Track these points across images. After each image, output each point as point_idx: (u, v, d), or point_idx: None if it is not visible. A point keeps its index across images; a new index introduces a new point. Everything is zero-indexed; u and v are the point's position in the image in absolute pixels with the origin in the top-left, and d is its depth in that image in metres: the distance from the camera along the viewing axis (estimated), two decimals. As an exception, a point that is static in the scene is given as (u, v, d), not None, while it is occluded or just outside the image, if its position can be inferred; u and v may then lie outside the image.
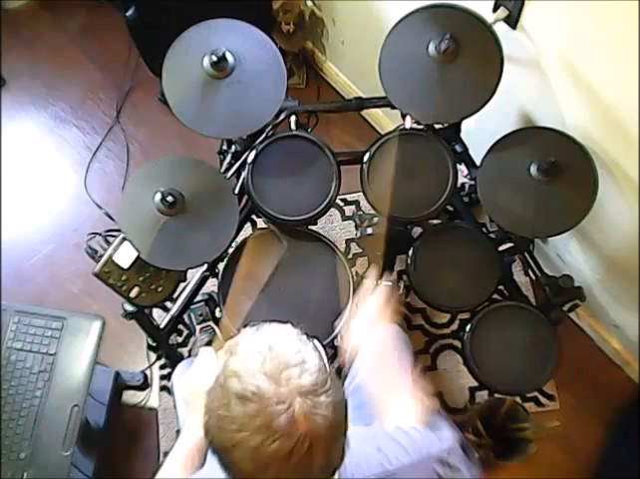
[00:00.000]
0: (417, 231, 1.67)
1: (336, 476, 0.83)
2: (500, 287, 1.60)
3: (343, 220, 2.19)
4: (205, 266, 1.59)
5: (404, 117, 1.56)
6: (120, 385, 1.92)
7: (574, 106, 1.43)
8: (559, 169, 1.39)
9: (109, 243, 1.45)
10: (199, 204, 1.41)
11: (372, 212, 1.65)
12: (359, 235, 1.91)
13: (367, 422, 1.13)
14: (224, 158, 1.68)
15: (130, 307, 1.48)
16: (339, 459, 0.77)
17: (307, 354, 0.77)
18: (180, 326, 1.99)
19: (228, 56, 1.40)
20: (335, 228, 2.18)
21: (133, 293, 1.45)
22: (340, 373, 1.46)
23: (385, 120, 2.17)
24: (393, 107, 1.49)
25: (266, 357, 0.75)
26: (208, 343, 1.90)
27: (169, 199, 1.35)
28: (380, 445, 0.95)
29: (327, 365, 0.78)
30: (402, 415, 1.11)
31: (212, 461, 0.98)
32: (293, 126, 1.58)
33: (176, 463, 1.06)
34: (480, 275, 1.56)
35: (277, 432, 0.71)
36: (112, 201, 2.21)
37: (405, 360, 1.49)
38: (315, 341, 0.82)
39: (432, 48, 1.40)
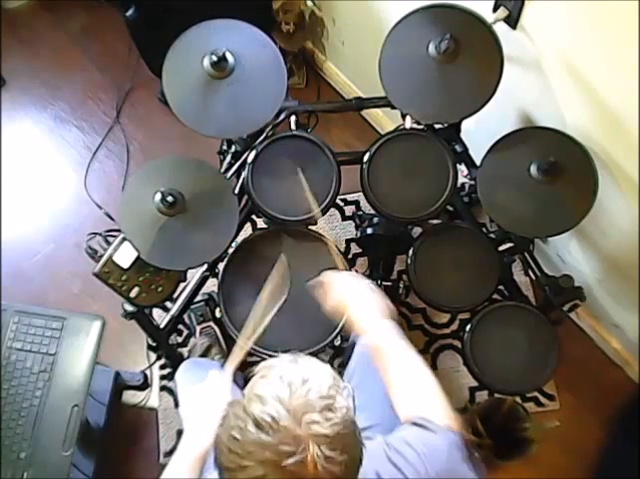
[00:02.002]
0: (417, 231, 1.67)
1: None
2: (500, 287, 1.61)
3: (343, 220, 2.19)
4: (205, 266, 1.59)
5: (404, 117, 1.56)
6: (120, 385, 1.92)
7: (574, 106, 1.43)
8: (559, 169, 1.39)
9: (109, 243, 1.45)
10: (199, 204, 1.41)
11: (372, 212, 1.65)
12: (359, 234, 1.91)
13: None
14: (224, 158, 1.69)
15: (130, 307, 1.48)
16: None
17: (337, 403, 0.74)
18: (180, 326, 1.99)
19: (228, 56, 1.40)
20: (335, 228, 2.18)
21: (133, 293, 1.45)
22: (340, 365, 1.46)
23: (385, 120, 2.17)
24: (393, 107, 1.50)
25: (295, 392, 0.73)
26: (209, 347, 1.90)
27: (169, 199, 1.35)
28: (379, 469, 0.92)
29: (353, 418, 0.75)
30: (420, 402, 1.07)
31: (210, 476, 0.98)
32: (293, 126, 1.58)
33: (176, 474, 1.05)
34: (480, 275, 1.56)
35: (282, 472, 0.70)
36: (112, 201, 2.21)
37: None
38: (349, 388, 0.79)
39: (432, 48, 1.40)
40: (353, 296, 1.19)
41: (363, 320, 1.16)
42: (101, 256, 1.43)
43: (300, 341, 1.49)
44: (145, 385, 1.98)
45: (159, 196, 1.36)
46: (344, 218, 2.19)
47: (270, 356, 1.49)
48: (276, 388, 0.74)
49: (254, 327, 1.21)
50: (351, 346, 1.60)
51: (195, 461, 1.05)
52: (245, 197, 1.55)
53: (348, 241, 2.15)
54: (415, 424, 0.98)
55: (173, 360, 1.80)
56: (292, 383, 0.74)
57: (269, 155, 1.52)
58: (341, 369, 1.58)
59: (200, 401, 1.12)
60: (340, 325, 1.26)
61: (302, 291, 1.53)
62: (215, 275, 1.60)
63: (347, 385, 0.80)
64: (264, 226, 1.65)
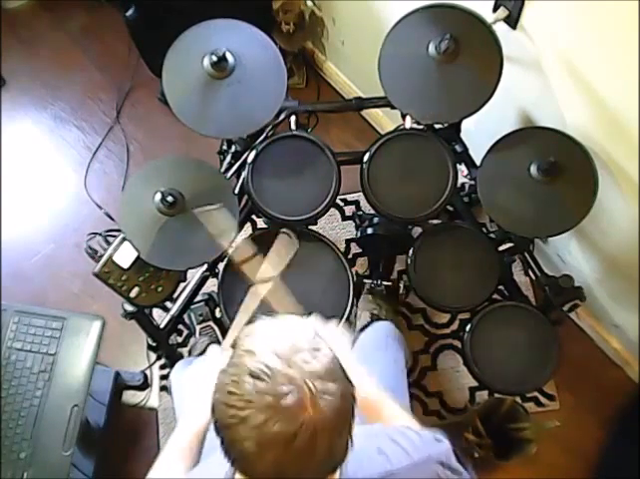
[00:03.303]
0: (417, 231, 1.67)
1: (337, 474, 0.83)
2: (500, 287, 1.60)
3: (343, 220, 2.19)
4: (205, 266, 1.59)
5: (404, 117, 1.56)
6: (120, 385, 1.92)
7: (574, 106, 1.43)
8: (559, 169, 1.39)
9: (109, 243, 1.45)
10: (199, 204, 1.41)
11: (372, 212, 1.65)
12: (359, 234, 1.91)
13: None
14: (224, 158, 1.68)
15: (130, 307, 1.48)
16: (342, 455, 0.77)
17: (320, 343, 0.78)
18: (180, 326, 1.99)
19: (228, 56, 1.40)
20: (335, 228, 2.18)
21: (133, 293, 1.45)
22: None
23: (385, 120, 2.17)
24: (393, 107, 1.50)
25: (281, 339, 0.77)
26: (208, 346, 1.90)
27: (169, 199, 1.35)
28: (381, 445, 0.95)
29: (338, 358, 0.79)
30: (397, 417, 1.11)
31: (208, 460, 0.98)
32: (293, 126, 1.58)
33: (175, 452, 1.06)
34: (480, 275, 1.56)
35: (283, 413, 0.71)
36: (112, 201, 2.21)
37: (399, 361, 1.49)
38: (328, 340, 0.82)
39: (432, 48, 1.40)
40: None
41: None
42: (101, 256, 1.43)
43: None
44: (145, 385, 1.98)
45: (159, 196, 1.36)
46: (344, 218, 2.19)
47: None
48: (263, 340, 0.78)
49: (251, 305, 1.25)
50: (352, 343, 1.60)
51: (194, 438, 1.06)
52: (245, 197, 1.55)
53: (348, 242, 2.15)
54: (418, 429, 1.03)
55: (173, 360, 1.79)
56: (277, 333, 0.78)
57: (269, 155, 1.52)
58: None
59: (199, 377, 1.13)
60: None
61: (301, 291, 1.53)
62: (215, 275, 1.60)
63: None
64: (264, 226, 1.65)
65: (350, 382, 0.79)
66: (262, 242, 1.57)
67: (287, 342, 0.76)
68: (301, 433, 0.71)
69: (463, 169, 1.67)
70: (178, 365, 1.57)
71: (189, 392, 1.15)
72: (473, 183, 1.74)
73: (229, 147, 1.68)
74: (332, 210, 1.96)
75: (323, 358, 0.76)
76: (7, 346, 1.52)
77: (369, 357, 1.49)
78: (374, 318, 1.86)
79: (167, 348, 1.73)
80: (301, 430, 0.71)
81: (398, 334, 1.57)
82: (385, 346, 1.51)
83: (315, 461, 0.73)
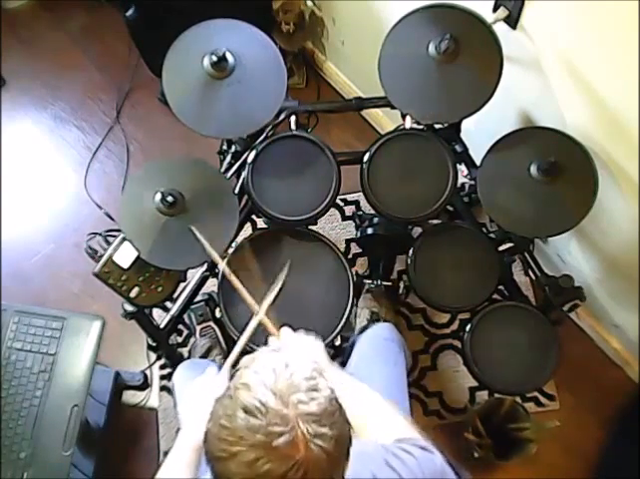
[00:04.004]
0: (417, 231, 1.67)
1: None
2: (500, 287, 1.60)
3: (343, 220, 2.19)
4: (205, 266, 1.59)
5: (404, 117, 1.56)
6: (120, 385, 1.92)
7: (574, 106, 1.43)
8: (559, 169, 1.39)
9: (109, 243, 1.45)
10: (199, 204, 1.41)
11: (372, 212, 1.65)
12: (359, 234, 1.91)
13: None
14: (224, 158, 1.68)
15: (130, 307, 1.48)
16: None
17: (320, 383, 0.76)
18: (180, 326, 1.99)
19: (228, 56, 1.40)
20: (335, 228, 2.18)
21: (133, 293, 1.45)
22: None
23: (385, 120, 2.17)
24: (393, 107, 1.49)
25: (280, 376, 0.75)
26: (209, 349, 1.90)
27: (169, 199, 1.35)
28: (375, 471, 0.93)
29: (337, 399, 0.77)
30: (392, 426, 1.10)
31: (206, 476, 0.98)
32: (293, 126, 1.58)
33: (174, 468, 1.05)
34: (481, 275, 1.56)
35: (274, 453, 0.70)
36: (112, 201, 2.21)
37: (399, 364, 1.49)
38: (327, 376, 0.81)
39: (432, 48, 1.40)
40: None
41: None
42: (101, 256, 1.43)
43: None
44: (145, 385, 1.98)
45: (159, 196, 1.36)
46: (344, 218, 2.19)
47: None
48: (261, 375, 0.76)
49: (253, 325, 1.25)
50: (350, 346, 1.60)
51: (192, 454, 1.05)
52: (245, 197, 1.55)
53: (348, 242, 2.15)
54: (411, 442, 1.01)
55: (173, 360, 1.80)
56: (276, 368, 0.76)
57: (269, 155, 1.52)
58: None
59: (197, 394, 1.13)
60: None
61: (301, 291, 1.53)
62: (215, 275, 1.60)
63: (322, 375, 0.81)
64: (264, 226, 1.65)
65: (348, 424, 0.77)
66: (262, 243, 1.58)
67: (285, 380, 0.75)
68: (291, 474, 0.70)
69: (463, 169, 1.67)
70: (181, 367, 1.56)
71: (188, 407, 1.14)
72: (473, 183, 1.74)
73: (229, 147, 1.68)
74: (332, 210, 1.96)
75: (321, 400, 0.74)
76: (7, 346, 1.52)
77: (369, 361, 1.49)
78: (373, 318, 1.86)
79: (167, 348, 1.73)
80: (291, 471, 0.70)
81: (397, 336, 1.57)
82: (385, 349, 1.51)
83: None
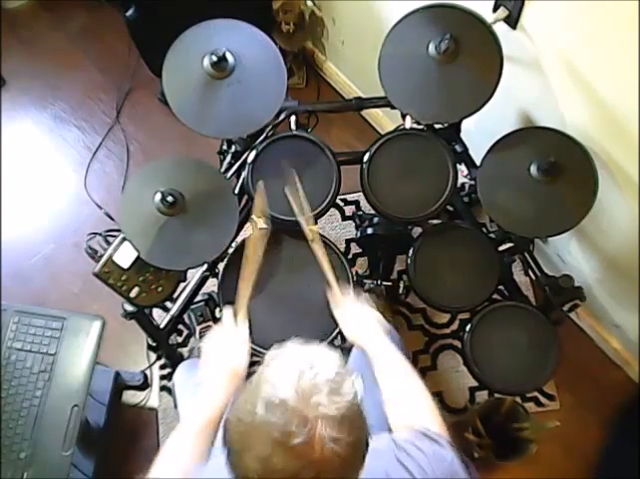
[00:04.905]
0: (417, 231, 1.67)
1: None
2: (500, 287, 1.60)
3: (343, 220, 2.19)
4: (205, 266, 1.59)
5: (404, 117, 1.56)
6: (120, 385, 1.92)
7: (574, 106, 1.43)
8: (559, 169, 1.39)
9: (109, 243, 1.45)
10: (199, 204, 1.41)
11: (372, 212, 1.65)
12: (359, 234, 1.91)
13: None
14: (224, 158, 1.68)
15: (130, 307, 1.48)
16: None
17: (344, 387, 0.76)
18: (180, 326, 1.99)
19: (228, 56, 1.40)
20: (335, 228, 2.18)
21: (133, 293, 1.45)
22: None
23: (385, 120, 2.17)
24: (393, 107, 1.49)
25: (303, 375, 0.75)
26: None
27: (169, 199, 1.35)
28: (388, 469, 0.93)
29: (360, 403, 0.77)
30: (408, 418, 1.09)
31: (217, 459, 0.98)
32: (293, 126, 1.58)
33: (188, 436, 1.04)
34: (481, 275, 1.56)
35: (288, 451, 0.71)
36: (112, 201, 2.21)
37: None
38: (356, 375, 0.81)
39: (432, 48, 1.40)
40: (363, 329, 1.27)
41: (366, 338, 1.24)
42: (101, 256, 1.43)
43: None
44: (145, 385, 1.98)
45: (159, 196, 1.36)
46: (344, 218, 2.19)
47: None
48: (285, 372, 0.76)
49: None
50: (350, 346, 1.60)
51: (209, 424, 1.04)
52: (245, 197, 1.55)
53: (348, 242, 2.15)
54: (422, 433, 1.00)
55: (173, 360, 1.80)
56: (301, 367, 0.77)
57: (269, 155, 1.52)
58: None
59: (218, 348, 1.14)
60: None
61: (301, 291, 1.53)
62: (215, 275, 1.60)
63: (352, 373, 0.81)
64: (264, 226, 1.65)
65: (366, 430, 0.77)
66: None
67: (309, 380, 0.75)
68: (303, 474, 0.71)
69: (463, 169, 1.67)
70: (182, 367, 1.56)
71: (209, 358, 1.15)
72: (473, 183, 1.74)
73: (229, 147, 1.68)
74: (332, 210, 1.96)
75: (342, 404, 0.74)
76: (7, 346, 1.52)
77: (369, 363, 1.49)
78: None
79: (167, 348, 1.73)
80: (304, 471, 0.70)
81: (396, 337, 1.56)
82: None
83: None
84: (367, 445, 0.78)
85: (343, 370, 0.79)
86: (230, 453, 0.76)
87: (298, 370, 0.76)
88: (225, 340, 1.17)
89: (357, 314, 1.28)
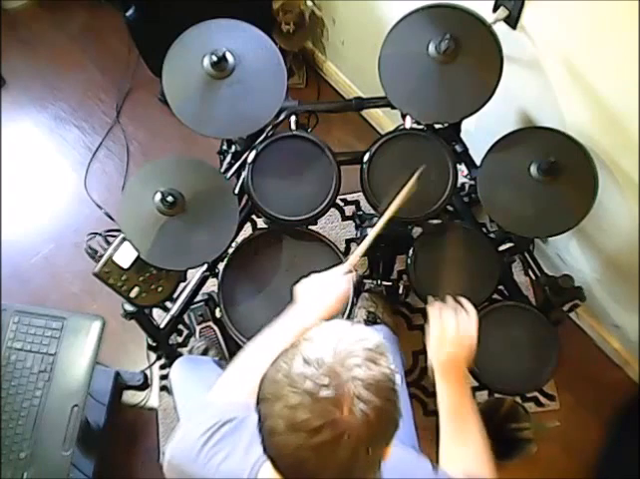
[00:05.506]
0: (417, 231, 1.67)
1: None
2: (500, 287, 1.60)
3: (343, 220, 2.19)
4: (205, 266, 1.59)
5: (404, 117, 1.56)
6: (120, 385, 1.92)
7: (574, 106, 1.43)
8: (559, 169, 1.39)
9: (109, 243, 1.45)
10: (199, 204, 1.41)
11: (372, 212, 1.65)
12: (359, 234, 1.91)
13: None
14: (224, 158, 1.69)
15: (130, 307, 1.48)
16: (363, 472, 0.76)
17: (381, 359, 0.78)
18: (180, 326, 1.99)
19: (228, 56, 1.40)
20: (335, 228, 2.18)
21: (133, 293, 1.45)
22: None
23: (385, 120, 2.17)
24: (393, 107, 1.50)
25: (344, 339, 0.77)
26: (205, 350, 1.90)
27: (169, 199, 1.35)
28: None
29: (394, 383, 0.78)
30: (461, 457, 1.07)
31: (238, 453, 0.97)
32: (293, 126, 1.58)
33: (279, 339, 1.05)
34: (480, 275, 1.55)
35: (316, 403, 0.72)
36: (112, 201, 2.21)
37: (398, 367, 1.48)
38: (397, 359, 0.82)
39: (432, 48, 1.40)
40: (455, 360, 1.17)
41: (453, 373, 1.17)
42: (101, 256, 1.43)
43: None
44: (145, 385, 1.98)
45: (158, 196, 1.36)
46: (344, 218, 2.19)
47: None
48: (328, 334, 0.79)
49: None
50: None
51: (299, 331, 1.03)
52: (245, 197, 1.55)
53: (348, 241, 2.15)
54: None
55: (173, 360, 1.80)
56: (343, 333, 0.79)
57: (269, 155, 1.52)
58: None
59: (320, 285, 1.15)
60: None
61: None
62: (215, 275, 1.60)
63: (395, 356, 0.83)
64: (264, 225, 1.65)
65: (397, 409, 0.78)
66: (262, 243, 1.58)
67: (349, 344, 0.77)
68: (326, 429, 0.71)
69: (463, 169, 1.67)
70: (178, 363, 1.57)
71: (307, 295, 1.15)
72: (473, 183, 1.74)
73: (229, 147, 1.68)
74: (332, 210, 1.96)
75: (376, 370, 0.75)
76: (7, 346, 1.52)
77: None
78: (370, 318, 1.86)
79: (167, 348, 1.74)
80: (327, 427, 0.71)
81: (393, 338, 1.56)
82: None
83: (335, 463, 0.73)
84: (396, 425, 0.78)
85: (383, 348, 0.80)
86: (262, 402, 0.77)
87: (340, 334, 0.79)
88: (326, 284, 1.16)
89: (458, 340, 1.17)
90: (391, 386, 0.77)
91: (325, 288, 1.15)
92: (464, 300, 1.22)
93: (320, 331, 0.80)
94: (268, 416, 0.75)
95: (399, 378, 0.80)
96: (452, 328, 1.17)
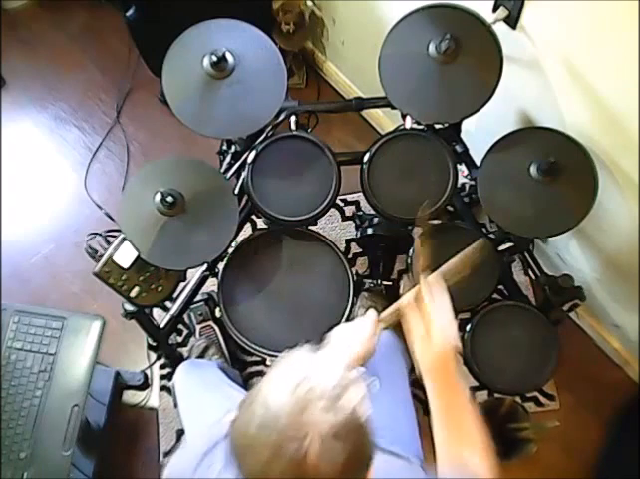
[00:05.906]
0: (417, 231, 1.67)
1: None
2: (500, 287, 1.60)
3: (343, 220, 2.19)
4: (205, 266, 1.59)
5: (404, 117, 1.56)
6: (120, 385, 1.92)
7: (574, 106, 1.43)
8: (559, 169, 1.39)
9: (109, 243, 1.45)
10: (199, 204, 1.41)
11: (372, 212, 1.65)
12: (359, 234, 1.91)
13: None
14: (224, 158, 1.68)
15: (130, 307, 1.48)
16: None
17: (341, 401, 0.75)
18: (180, 326, 1.99)
19: (228, 56, 1.40)
20: (335, 228, 2.18)
21: (133, 293, 1.45)
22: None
23: (385, 120, 2.17)
24: (393, 107, 1.49)
25: (305, 381, 0.75)
26: (206, 349, 1.90)
27: (169, 199, 1.35)
28: None
29: (361, 419, 0.76)
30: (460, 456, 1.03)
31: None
32: (293, 126, 1.58)
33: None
34: (481, 275, 1.55)
35: (285, 457, 0.71)
36: (112, 201, 2.21)
37: (403, 371, 1.48)
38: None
39: (432, 48, 1.40)
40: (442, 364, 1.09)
41: (442, 376, 1.10)
42: (101, 256, 1.43)
43: (300, 342, 1.48)
44: (145, 385, 1.98)
45: (159, 196, 1.36)
46: (344, 218, 2.19)
47: (270, 356, 1.49)
48: (288, 377, 0.77)
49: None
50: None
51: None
52: (245, 197, 1.55)
53: (348, 241, 2.15)
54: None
55: (173, 360, 1.80)
56: (304, 373, 0.77)
57: (269, 155, 1.52)
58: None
59: (348, 329, 1.15)
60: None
61: (301, 292, 1.53)
62: (215, 275, 1.60)
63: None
64: (264, 225, 1.65)
65: (369, 443, 0.77)
66: (262, 243, 1.58)
67: (310, 384, 0.74)
68: None
69: (463, 169, 1.67)
70: (182, 368, 1.56)
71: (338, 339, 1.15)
72: (473, 183, 1.74)
73: (229, 147, 1.68)
74: (332, 210, 1.96)
75: (340, 412, 0.73)
76: (7, 346, 1.52)
77: (372, 371, 1.47)
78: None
79: (167, 348, 1.74)
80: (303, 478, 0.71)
81: (396, 341, 1.55)
82: (387, 359, 1.49)
83: None
84: (369, 458, 0.77)
85: (345, 382, 0.77)
86: (236, 459, 0.76)
87: (300, 376, 0.76)
88: (357, 337, 1.14)
89: (442, 343, 1.09)
90: (357, 424, 0.75)
91: (353, 334, 1.14)
92: (431, 281, 1.18)
93: (280, 369, 0.78)
94: (243, 465, 0.75)
95: (367, 409, 0.77)
96: (437, 327, 1.09)
